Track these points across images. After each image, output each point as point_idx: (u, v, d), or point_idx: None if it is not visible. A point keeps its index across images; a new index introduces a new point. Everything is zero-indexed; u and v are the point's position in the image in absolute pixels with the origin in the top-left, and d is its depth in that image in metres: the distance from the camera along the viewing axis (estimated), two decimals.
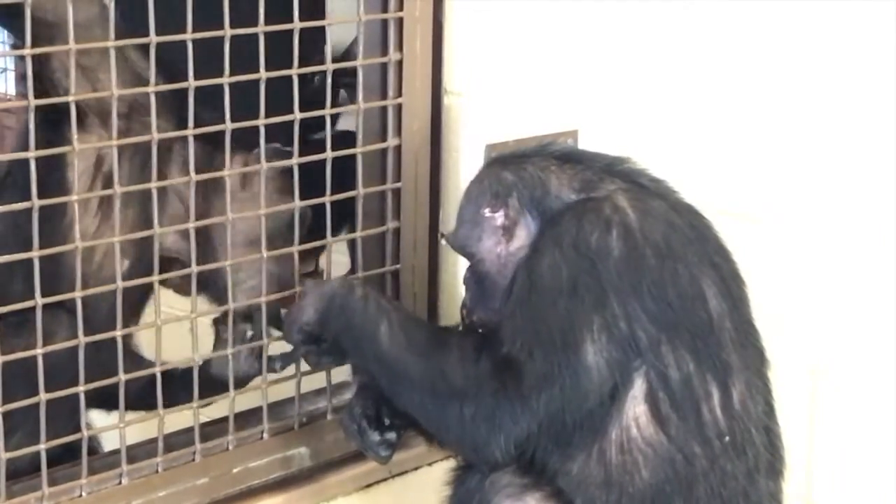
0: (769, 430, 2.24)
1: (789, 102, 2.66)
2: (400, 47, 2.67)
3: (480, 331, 2.33)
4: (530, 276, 2.20)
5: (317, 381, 2.69)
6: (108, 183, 2.47)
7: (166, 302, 2.49)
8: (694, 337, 2.16)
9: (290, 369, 2.62)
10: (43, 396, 2.29)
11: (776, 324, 2.42)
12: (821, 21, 2.62)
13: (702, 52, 2.74)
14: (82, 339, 2.32)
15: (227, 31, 2.38)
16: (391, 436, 2.41)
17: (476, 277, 2.36)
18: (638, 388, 2.16)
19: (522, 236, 2.30)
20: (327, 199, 2.58)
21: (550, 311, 2.16)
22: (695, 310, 2.17)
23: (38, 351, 2.27)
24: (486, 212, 2.32)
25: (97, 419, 2.58)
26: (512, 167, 2.33)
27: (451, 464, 2.35)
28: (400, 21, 2.65)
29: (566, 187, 2.28)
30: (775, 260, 2.66)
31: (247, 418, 2.61)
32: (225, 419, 2.56)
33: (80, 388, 2.37)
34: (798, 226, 2.65)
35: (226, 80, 2.41)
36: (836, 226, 2.62)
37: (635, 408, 2.16)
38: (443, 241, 2.43)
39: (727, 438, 2.17)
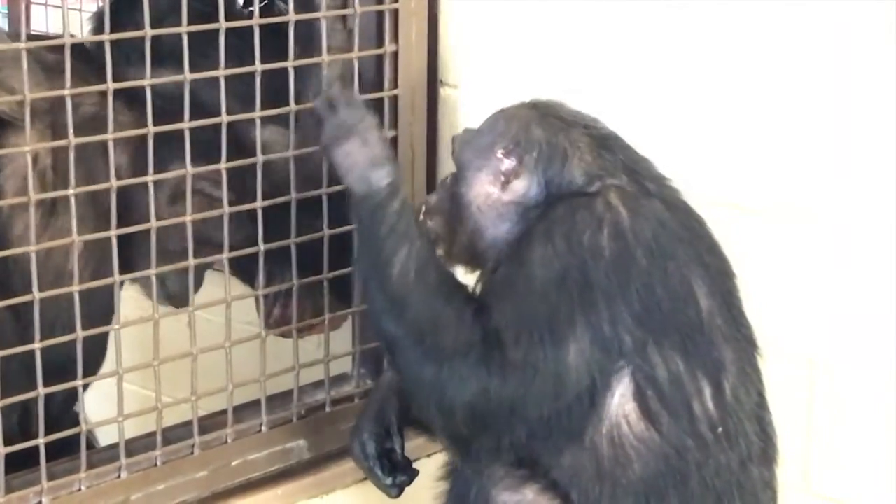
0: (761, 418, 2.24)
1: (787, 94, 2.65)
2: (395, 39, 2.67)
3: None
4: (522, 264, 2.19)
5: (315, 373, 2.70)
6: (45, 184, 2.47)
7: None
8: (683, 336, 2.16)
9: (288, 360, 2.62)
10: (41, 390, 2.30)
11: (774, 315, 2.42)
12: (821, 13, 2.62)
13: (698, 45, 2.73)
14: (80, 333, 2.33)
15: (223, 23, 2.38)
16: (402, 479, 2.43)
17: (452, 193, 2.33)
18: (625, 386, 2.16)
19: (518, 193, 2.28)
20: (323, 190, 2.59)
21: (538, 302, 2.16)
22: (684, 309, 2.17)
23: (37, 345, 2.28)
24: (499, 152, 2.29)
25: (94, 413, 2.59)
26: (547, 126, 2.30)
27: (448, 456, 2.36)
28: (395, 13, 2.66)
29: (579, 171, 2.26)
30: (774, 251, 2.65)
31: (245, 411, 2.61)
32: (223, 412, 2.56)
33: (79, 382, 2.37)
34: (796, 217, 2.65)
35: (222, 72, 2.43)
36: (835, 217, 2.62)
37: (624, 405, 2.16)
38: (455, 140, 2.38)
39: (720, 430, 2.17)
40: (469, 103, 2.69)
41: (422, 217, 2.36)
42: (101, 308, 2.55)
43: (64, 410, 2.59)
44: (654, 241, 2.17)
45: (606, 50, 2.78)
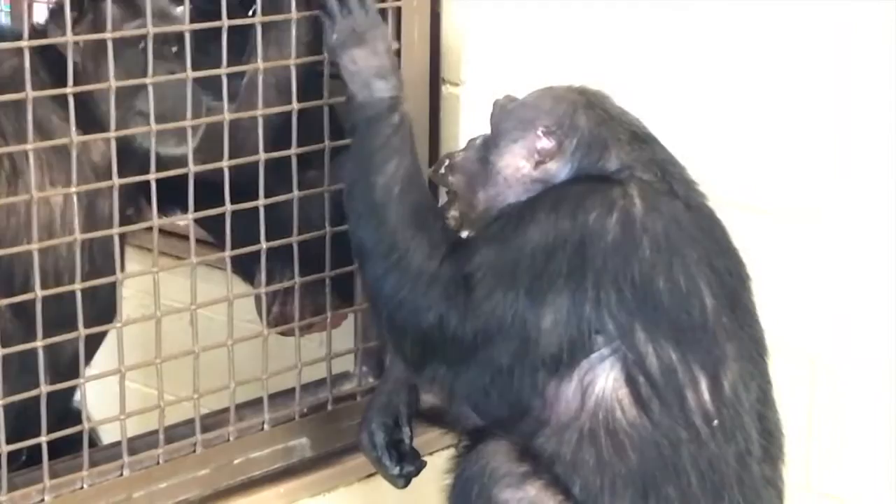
0: (763, 416, 2.25)
1: (794, 93, 2.66)
2: (398, 37, 2.67)
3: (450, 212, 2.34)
4: (520, 222, 2.20)
5: (317, 371, 2.70)
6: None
7: (166, 294, 2.48)
8: (680, 331, 2.16)
9: (291, 359, 2.62)
10: (43, 389, 2.29)
11: (777, 313, 2.42)
12: (823, 14, 2.62)
13: (701, 45, 2.74)
14: (83, 332, 2.33)
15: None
16: (410, 470, 2.43)
17: (482, 157, 2.34)
18: (617, 371, 2.16)
19: (549, 174, 2.29)
20: (325, 188, 2.59)
21: (526, 262, 2.17)
22: (687, 307, 2.17)
23: (39, 343, 2.28)
24: (540, 129, 2.30)
25: (97, 411, 2.59)
26: (592, 115, 2.30)
27: (452, 452, 2.36)
28: (398, 11, 2.66)
29: (614, 164, 2.27)
30: (778, 250, 2.65)
31: (248, 409, 2.61)
32: (226, 410, 2.56)
33: (82, 381, 2.37)
34: (798, 217, 2.65)
35: (223, 70, 2.43)
36: (837, 216, 2.62)
37: (618, 390, 2.17)
38: (496, 104, 2.39)
39: (715, 422, 2.17)
40: (471, 101, 2.69)
41: (443, 171, 2.36)
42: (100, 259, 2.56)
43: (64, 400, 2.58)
44: (664, 236, 2.18)
45: (609, 49, 2.78)
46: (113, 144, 2.36)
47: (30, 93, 2.21)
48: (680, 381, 2.15)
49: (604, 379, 2.16)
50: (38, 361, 2.28)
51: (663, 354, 2.15)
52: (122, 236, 2.57)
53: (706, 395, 2.17)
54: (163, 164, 2.42)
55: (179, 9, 2.48)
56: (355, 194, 2.26)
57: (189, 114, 2.40)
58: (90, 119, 2.40)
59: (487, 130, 2.37)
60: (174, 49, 2.50)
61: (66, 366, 2.49)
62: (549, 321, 2.15)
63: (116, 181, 2.36)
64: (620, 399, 2.16)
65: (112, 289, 2.49)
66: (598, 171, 2.26)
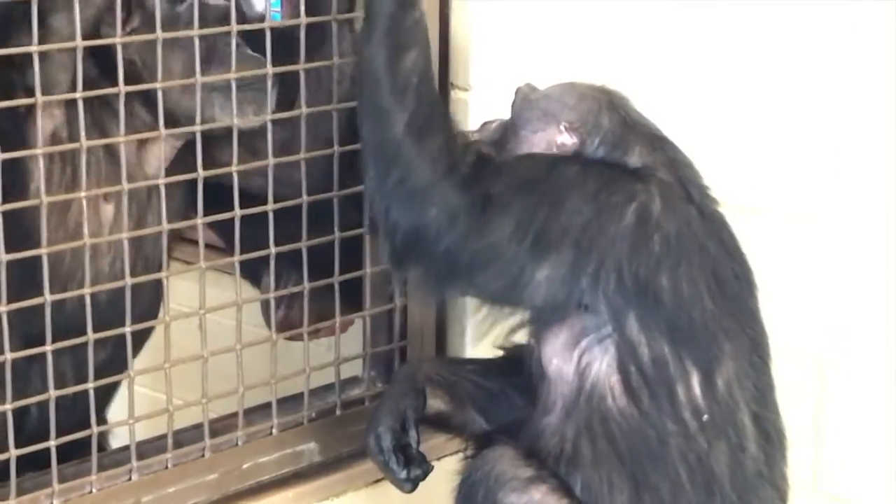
0: (759, 416, 2.24)
1: (792, 93, 2.66)
2: None
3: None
4: (550, 172, 2.22)
5: (326, 376, 2.70)
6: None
7: (175, 299, 2.49)
8: (675, 328, 2.17)
9: (299, 364, 2.62)
10: (52, 393, 2.30)
11: (783, 314, 2.42)
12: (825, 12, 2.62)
13: (703, 45, 2.75)
14: (91, 336, 2.33)
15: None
16: (417, 474, 2.43)
17: (499, 141, 2.35)
18: (611, 356, 2.18)
19: None
20: (334, 194, 2.59)
21: (543, 214, 2.18)
22: (686, 307, 2.18)
23: (48, 348, 2.28)
24: (563, 125, 2.30)
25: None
26: (615, 116, 2.31)
27: (459, 457, 2.37)
28: None
29: (636, 159, 2.28)
30: (781, 250, 2.65)
31: (256, 414, 2.61)
32: (234, 415, 2.56)
33: (90, 385, 2.37)
34: (804, 216, 2.65)
35: (233, 75, 2.44)
36: (842, 215, 2.62)
37: (611, 376, 2.18)
38: (519, 92, 2.39)
39: (705, 417, 2.18)
40: (480, 106, 2.68)
41: (471, 145, 2.36)
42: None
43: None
44: (675, 236, 2.19)
45: (618, 53, 2.79)
46: (162, 153, 2.40)
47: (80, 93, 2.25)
48: (671, 374, 2.17)
49: (599, 363, 2.19)
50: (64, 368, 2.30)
51: (655, 346, 2.17)
52: (168, 250, 2.61)
53: (697, 391, 2.18)
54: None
55: None
56: (381, 75, 2.22)
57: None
58: (155, 119, 2.42)
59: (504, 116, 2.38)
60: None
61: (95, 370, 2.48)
62: (544, 276, 2.17)
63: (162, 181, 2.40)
64: (612, 386, 2.18)
65: (150, 307, 2.49)
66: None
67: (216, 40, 2.43)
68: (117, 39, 2.30)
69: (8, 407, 2.26)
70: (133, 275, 2.37)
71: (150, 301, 2.56)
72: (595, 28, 2.79)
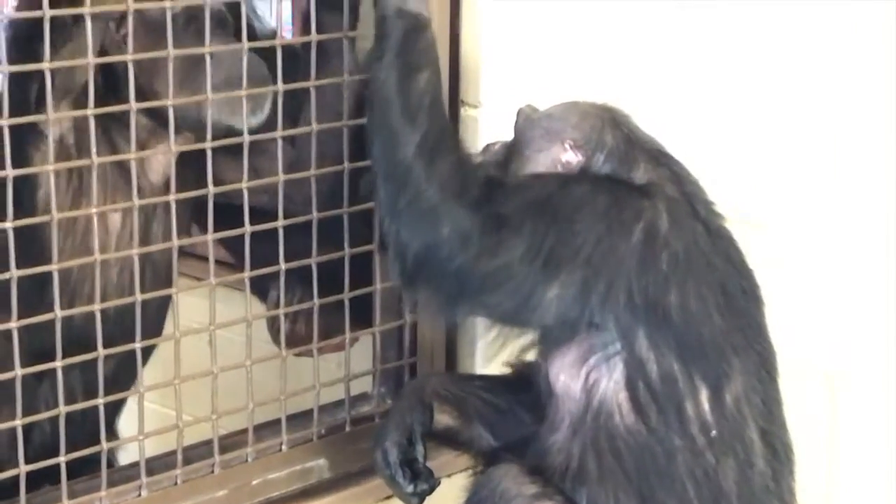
0: (768, 432, 2.25)
1: (793, 98, 2.66)
2: None
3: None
4: (562, 191, 2.22)
5: (336, 392, 2.70)
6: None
7: (185, 314, 2.49)
8: (684, 344, 2.18)
9: (309, 380, 2.62)
10: (62, 409, 2.30)
11: (791, 328, 2.42)
12: (825, 19, 2.63)
13: (704, 56, 2.76)
14: (101, 352, 2.33)
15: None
16: (424, 488, 2.43)
17: (503, 163, 2.35)
18: (619, 373, 2.18)
19: None
20: (344, 210, 2.60)
21: (555, 232, 2.18)
22: (695, 323, 2.19)
23: (58, 364, 2.29)
24: (568, 143, 2.31)
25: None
26: (619, 133, 2.32)
27: (469, 474, 2.36)
28: None
29: (642, 175, 2.28)
30: (785, 265, 2.66)
31: (266, 430, 2.61)
32: (244, 431, 2.56)
33: (100, 401, 2.38)
34: (805, 229, 2.66)
35: (244, 92, 2.45)
36: (844, 228, 2.63)
37: (618, 393, 2.19)
38: (521, 113, 2.40)
39: (713, 433, 2.18)
40: (490, 123, 2.69)
41: (478, 166, 2.37)
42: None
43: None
44: (682, 253, 2.20)
45: (628, 72, 2.79)
46: (173, 161, 2.39)
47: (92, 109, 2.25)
48: (679, 390, 2.17)
49: (607, 380, 2.19)
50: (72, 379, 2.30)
51: (664, 363, 2.17)
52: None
53: (706, 406, 2.18)
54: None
55: None
56: (383, 99, 2.24)
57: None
58: (156, 124, 2.41)
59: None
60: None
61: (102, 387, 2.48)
62: (554, 295, 2.17)
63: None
64: (620, 403, 2.18)
65: (158, 315, 2.49)
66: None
67: (211, 40, 2.42)
68: (128, 57, 2.30)
69: (18, 423, 2.26)
70: (142, 282, 2.37)
71: (157, 309, 2.55)
72: (603, 47, 2.79)
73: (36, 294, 2.24)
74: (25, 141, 2.28)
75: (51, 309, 2.24)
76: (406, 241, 2.19)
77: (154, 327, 2.55)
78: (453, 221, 2.18)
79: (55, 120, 2.30)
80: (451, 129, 2.32)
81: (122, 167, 2.40)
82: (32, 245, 2.25)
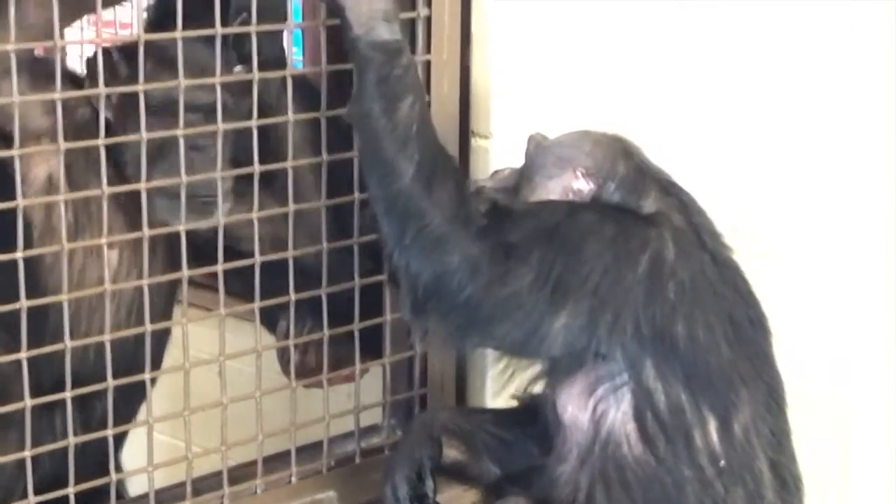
0: (777, 463, 2.24)
1: (793, 113, 2.67)
2: (427, 90, 2.67)
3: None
4: (569, 218, 2.22)
5: (345, 424, 2.69)
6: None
7: (195, 345, 2.49)
8: (692, 375, 2.17)
9: (319, 411, 2.61)
10: (72, 440, 2.30)
11: (799, 359, 2.42)
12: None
13: (710, 74, 2.76)
14: (111, 383, 2.33)
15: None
16: None
17: (512, 189, 2.35)
18: (627, 403, 2.18)
19: None
20: (354, 241, 2.59)
21: (562, 261, 2.17)
22: (703, 353, 2.18)
23: (67, 394, 2.29)
24: (579, 171, 2.31)
25: (124, 463, 2.59)
26: (631, 162, 2.32)
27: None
28: (427, 64, 2.66)
29: (651, 205, 2.29)
30: (794, 294, 2.66)
31: (275, 462, 2.60)
32: (253, 462, 2.55)
33: (109, 432, 2.37)
34: (811, 259, 2.66)
35: (255, 123, 2.45)
36: (850, 255, 2.63)
37: (626, 424, 2.18)
38: (531, 139, 2.40)
39: (722, 463, 2.17)
40: (501, 153, 2.69)
41: (478, 199, 2.36)
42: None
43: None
44: (689, 284, 2.20)
45: (638, 105, 2.79)
46: None
47: (62, 144, 2.23)
48: (688, 421, 2.16)
49: (615, 411, 2.18)
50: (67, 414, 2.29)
51: (672, 393, 2.16)
52: (173, 297, 2.59)
53: (714, 436, 2.17)
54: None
55: (238, 68, 2.49)
56: (379, 132, 2.23)
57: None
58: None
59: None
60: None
61: (98, 422, 2.48)
62: (561, 324, 2.16)
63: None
64: (628, 433, 2.18)
65: (156, 353, 2.48)
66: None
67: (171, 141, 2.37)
68: (134, 138, 2.30)
69: (27, 454, 2.26)
70: (139, 319, 2.36)
71: (156, 345, 2.53)
72: (614, 78, 2.80)
73: (30, 333, 2.23)
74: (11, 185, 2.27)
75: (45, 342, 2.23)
76: (416, 273, 2.19)
77: (154, 361, 2.52)
78: (462, 250, 2.17)
79: (42, 159, 2.30)
80: (444, 153, 2.30)
81: (119, 202, 2.38)
82: (31, 286, 2.23)
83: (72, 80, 2.46)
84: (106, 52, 2.43)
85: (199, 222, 2.46)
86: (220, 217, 2.43)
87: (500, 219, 2.22)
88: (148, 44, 2.28)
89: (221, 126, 2.38)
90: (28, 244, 2.29)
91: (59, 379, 2.29)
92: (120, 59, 2.51)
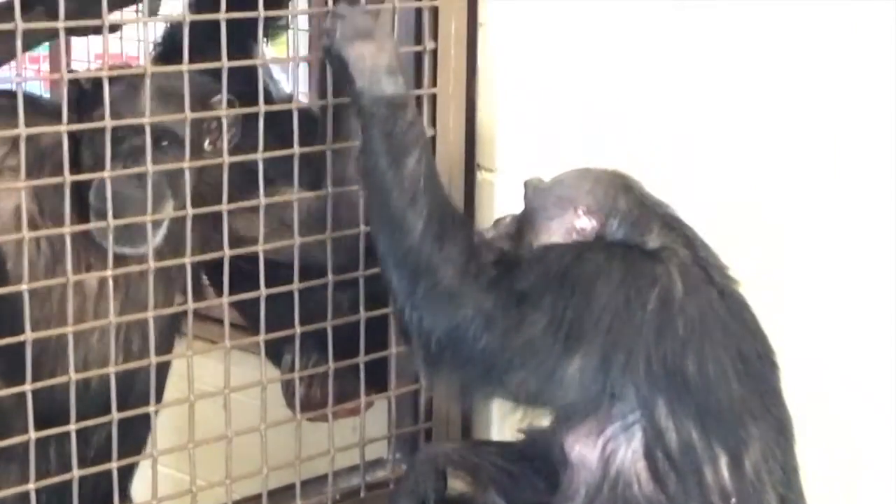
0: (785, 498, 2.22)
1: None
2: (433, 124, 2.68)
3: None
4: (576, 262, 2.20)
5: (350, 457, 2.68)
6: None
7: (199, 378, 2.48)
8: (703, 411, 2.16)
9: (323, 445, 2.61)
10: (76, 472, 2.29)
11: (808, 394, 2.41)
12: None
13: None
14: (115, 415, 2.33)
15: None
16: None
17: (515, 234, 2.34)
18: (637, 442, 2.16)
19: None
20: (360, 273, 2.59)
21: (573, 307, 2.16)
22: (713, 389, 2.17)
23: (72, 427, 2.28)
24: (580, 210, 2.30)
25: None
26: (632, 198, 2.32)
27: None
28: (433, 98, 2.67)
29: (655, 240, 2.28)
30: (801, 326, 2.66)
31: (280, 495, 2.59)
32: (258, 496, 2.55)
33: (114, 465, 2.37)
34: (818, 289, 2.65)
35: (260, 155, 2.45)
36: (858, 288, 2.62)
37: (636, 463, 2.16)
38: (528, 184, 2.39)
39: (733, 501, 2.16)
40: (506, 187, 2.69)
41: (482, 245, 2.36)
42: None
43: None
44: (698, 320, 2.19)
45: (644, 140, 2.80)
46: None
47: (68, 177, 2.24)
48: (699, 458, 2.15)
49: (625, 449, 2.16)
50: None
51: (683, 431, 2.15)
52: (173, 326, 2.60)
53: (725, 473, 2.16)
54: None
55: (215, 98, 2.48)
56: (387, 185, 2.22)
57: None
58: None
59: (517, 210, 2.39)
60: (164, 143, 2.45)
61: (97, 457, 2.47)
62: (576, 368, 2.15)
63: (152, 264, 2.37)
64: (638, 472, 2.16)
65: (148, 378, 2.48)
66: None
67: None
68: (96, 176, 2.31)
69: (31, 487, 2.25)
70: (127, 350, 2.35)
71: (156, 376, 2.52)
72: (619, 112, 2.80)
73: (9, 367, 2.22)
74: None
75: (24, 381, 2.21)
76: (429, 328, 2.19)
77: (143, 399, 2.50)
78: (475, 303, 2.17)
79: (10, 192, 2.29)
80: (451, 205, 2.30)
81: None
82: (5, 318, 2.22)
83: (36, 108, 2.43)
84: (73, 83, 2.42)
85: (130, 248, 2.43)
86: (226, 248, 2.42)
87: (509, 268, 2.22)
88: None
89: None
90: (2, 276, 2.29)
91: (45, 413, 2.25)
92: (89, 87, 2.48)
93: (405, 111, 2.26)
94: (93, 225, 2.35)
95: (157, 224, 2.45)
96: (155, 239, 2.44)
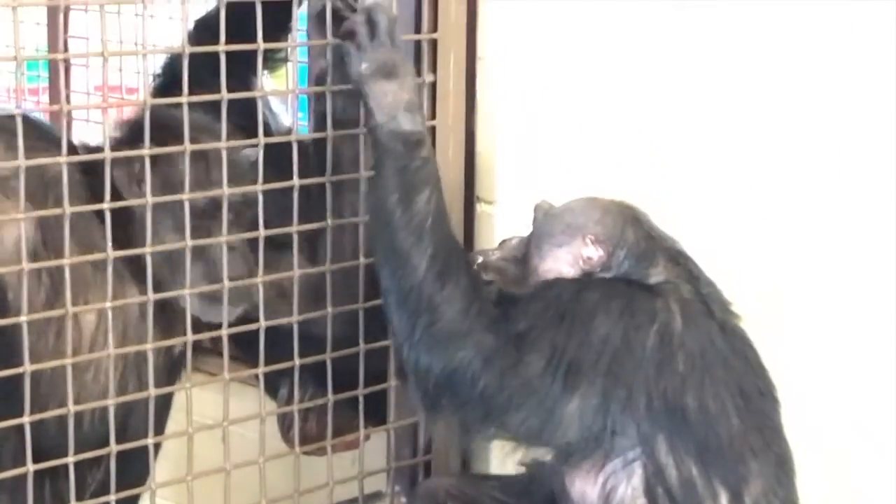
0: None
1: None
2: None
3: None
4: (573, 302, 2.21)
5: (350, 490, 2.67)
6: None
7: (198, 410, 2.48)
8: (703, 447, 2.16)
9: (322, 478, 2.60)
10: None
11: (808, 428, 2.41)
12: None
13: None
14: (114, 448, 2.32)
15: None
16: None
17: (521, 258, 2.34)
18: (638, 478, 2.16)
19: None
20: (360, 305, 2.59)
21: (573, 346, 2.17)
22: (714, 425, 2.17)
23: (70, 459, 2.27)
24: (588, 238, 2.30)
25: None
26: (640, 229, 2.32)
27: None
28: (433, 129, 2.67)
29: (659, 274, 2.28)
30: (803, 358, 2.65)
31: None
32: None
33: (111, 497, 2.36)
34: (816, 325, 2.65)
35: (261, 186, 2.45)
36: (858, 320, 2.62)
37: (636, 499, 2.16)
38: (538, 208, 2.39)
39: None
40: (505, 219, 2.69)
41: (475, 269, 2.36)
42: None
43: None
44: (699, 355, 2.19)
45: (643, 173, 2.80)
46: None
47: (67, 208, 2.23)
48: (699, 494, 2.14)
49: (625, 486, 2.16)
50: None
51: (683, 467, 2.14)
52: (172, 372, 2.59)
53: None
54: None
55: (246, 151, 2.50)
56: (394, 221, 2.24)
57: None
58: (128, 240, 2.41)
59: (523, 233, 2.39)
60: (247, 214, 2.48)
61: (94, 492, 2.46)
62: (575, 407, 2.15)
63: (151, 296, 2.37)
64: None
65: (144, 420, 2.47)
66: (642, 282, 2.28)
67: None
68: (147, 250, 2.33)
69: None
70: (122, 386, 2.35)
71: (157, 411, 2.51)
72: (618, 142, 2.80)
73: (9, 402, 2.21)
74: None
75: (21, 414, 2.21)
76: (427, 368, 2.19)
77: (142, 433, 2.48)
78: (474, 344, 2.17)
79: (13, 223, 2.30)
80: (457, 245, 2.32)
81: (96, 264, 2.38)
82: (8, 355, 2.22)
83: (42, 135, 2.43)
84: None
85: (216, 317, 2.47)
86: (226, 281, 2.42)
87: (508, 308, 2.22)
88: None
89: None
90: (3, 307, 2.29)
91: (34, 452, 2.24)
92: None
93: (421, 149, 2.27)
94: (89, 257, 2.35)
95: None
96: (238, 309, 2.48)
